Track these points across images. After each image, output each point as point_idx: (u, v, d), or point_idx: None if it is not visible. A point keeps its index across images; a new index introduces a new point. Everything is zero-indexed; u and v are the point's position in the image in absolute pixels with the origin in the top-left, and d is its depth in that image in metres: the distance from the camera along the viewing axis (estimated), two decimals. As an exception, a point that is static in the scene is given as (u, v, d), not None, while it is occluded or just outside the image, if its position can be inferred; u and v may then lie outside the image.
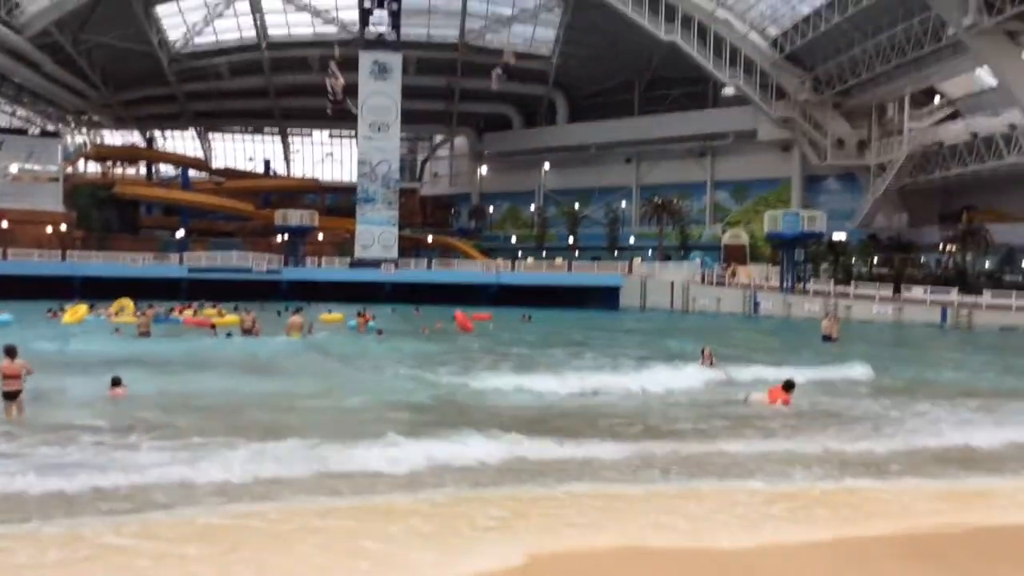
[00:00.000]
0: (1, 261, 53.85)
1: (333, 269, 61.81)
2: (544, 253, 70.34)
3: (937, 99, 57.84)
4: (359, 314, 33.89)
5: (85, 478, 8.15)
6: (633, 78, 71.88)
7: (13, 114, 69.10)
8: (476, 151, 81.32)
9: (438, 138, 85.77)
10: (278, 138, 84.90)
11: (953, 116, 56.40)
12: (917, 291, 45.86)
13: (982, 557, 6.91)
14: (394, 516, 7.34)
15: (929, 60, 48.80)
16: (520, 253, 71.31)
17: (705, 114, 67.74)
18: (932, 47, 47.19)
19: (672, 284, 54.88)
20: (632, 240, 69.94)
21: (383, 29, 65.23)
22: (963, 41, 43.96)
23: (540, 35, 70.34)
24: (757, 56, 58.84)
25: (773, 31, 58.74)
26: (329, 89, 64.61)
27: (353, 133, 70.30)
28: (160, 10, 64.62)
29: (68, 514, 7.32)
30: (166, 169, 79.21)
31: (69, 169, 69.69)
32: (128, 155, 77.36)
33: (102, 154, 76.01)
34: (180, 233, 69.02)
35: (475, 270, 62.85)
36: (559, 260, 65.23)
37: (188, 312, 36.57)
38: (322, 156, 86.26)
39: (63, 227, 61.42)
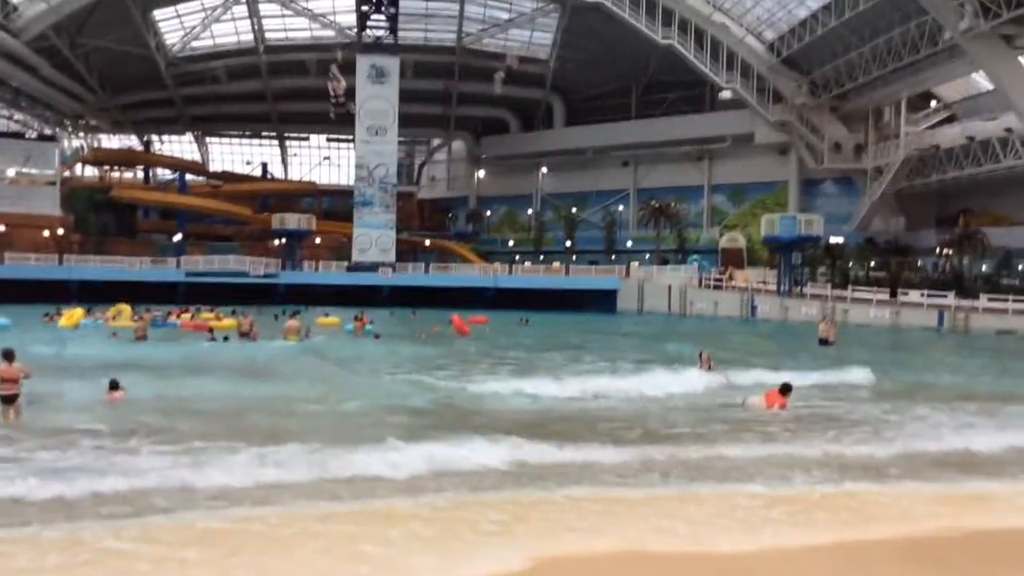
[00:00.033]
0: (-2, 265, 53.81)
1: (330, 273, 61.88)
2: (541, 257, 70.42)
3: (933, 103, 58.08)
4: (356, 318, 33.89)
5: (85, 482, 8.13)
6: (630, 82, 71.97)
7: (10, 118, 69.12)
8: (473, 155, 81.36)
9: (435, 142, 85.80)
10: (275, 142, 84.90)
11: (949, 120, 56.58)
12: (914, 295, 45.91)
13: (981, 560, 6.92)
14: (394, 520, 7.33)
15: (925, 64, 48.91)
16: (517, 257, 71.38)
17: (702, 118, 67.83)
18: (928, 51, 47.29)
19: (669, 288, 54.92)
20: (629, 244, 70.00)
21: (381, 33, 65.29)
22: (959, 45, 44.04)
23: (537, 39, 70.45)
24: (754, 60, 58.96)
25: (770, 35, 58.89)
26: (331, 92, 64.55)
27: (351, 137, 70.29)
28: (157, 14, 64.61)
29: (68, 518, 7.30)
30: (163, 173, 79.14)
31: (66, 173, 69.60)
32: (125, 159, 77.30)
33: (99, 158, 75.91)
34: (177, 237, 69.02)
35: (472, 274, 62.87)
36: (556, 264, 65.32)
37: (185, 316, 36.56)
38: (319, 160, 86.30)
39: (60, 231, 61.38)
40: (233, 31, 68.89)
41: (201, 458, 9.28)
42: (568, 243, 70.37)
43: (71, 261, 56.90)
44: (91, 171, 76.79)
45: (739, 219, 67.66)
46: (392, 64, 64.73)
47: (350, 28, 67.82)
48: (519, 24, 68.85)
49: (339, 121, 69.49)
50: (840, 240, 56.57)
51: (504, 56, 68.62)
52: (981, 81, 51.81)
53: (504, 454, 9.85)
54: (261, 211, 71.34)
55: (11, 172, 61.98)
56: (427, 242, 74.13)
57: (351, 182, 69.79)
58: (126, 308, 35.37)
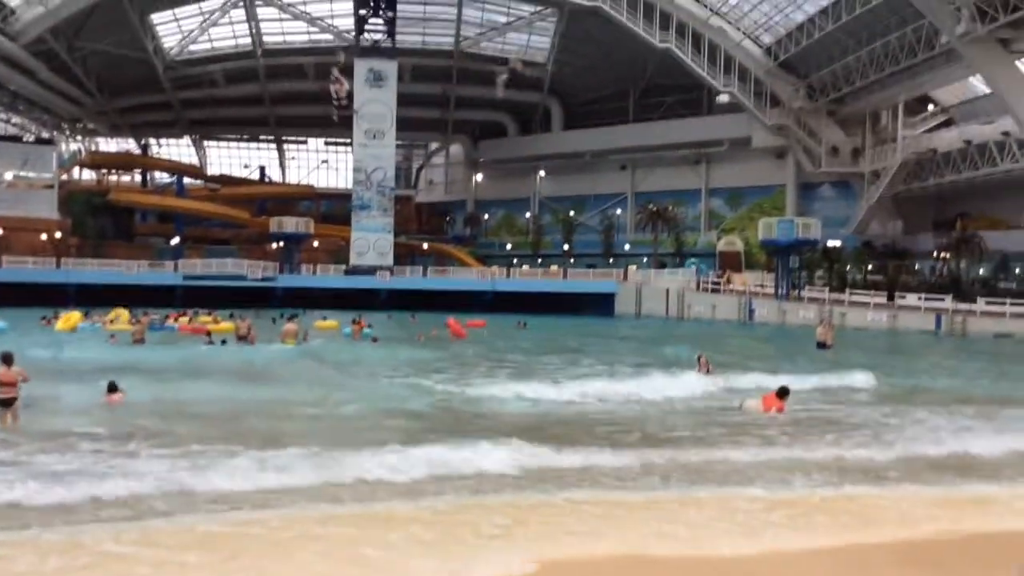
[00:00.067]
0: (-4, 268, 53.73)
1: (328, 276, 61.89)
2: (539, 260, 70.41)
3: (931, 107, 58.15)
4: (354, 321, 33.90)
5: (84, 485, 8.12)
6: (628, 86, 72.07)
7: (8, 121, 69.03)
8: (471, 158, 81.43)
9: (433, 145, 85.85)
10: (273, 145, 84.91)
11: (947, 123, 56.67)
12: (911, 298, 45.97)
13: (980, 563, 6.93)
14: (395, 524, 7.33)
15: (922, 68, 49.05)
16: (515, 260, 71.34)
17: (700, 121, 67.96)
18: (925, 55, 47.44)
19: (667, 291, 54.99)
20: (627, 247, 70.04)
21: (378, 37, 65.32)
22: (956, 49, 44.17)
23: (535, 43, 70.57)
24: (751, 64, 59.08)
25: (767, 39, 59.03)
26: (333, 95, 64.46)
27: (348, 140, 70.33)
28: (155, 17, 64.70)
29: (68, 522, 7.29)
30: (161, 177, 79.12)
31: (64, 176, 69.54)
32: (123, 162, 77.29)
33: (97, 161, 75.89)
34: (175, 240, 69.00)
35: (470, 277, 62.91)
36: (554, 267, 65.34)
37: (184, 319, 36.53)
38: (317, 163, 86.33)
39: (58, 234, 61.32)
40: (231, 35, 68.97)
41: (200, 462, 9.27)
42: (566, 247, 70.42)
43: (69, 264, 56.86)
44: (89, 174, 76.79)
45: (737, 223, 67.73)
46: (390, 68, 64.80)
47: (348, 32, 67.87)
48: (517, 28, 69.00)
49: (337, 124, 69.53)
50: (837, 244, 56.68)
51: (507, 60, 68.79)
52: (978, 85, 51.93)
53: (503, 457, 9.84)
54: (259, 214, 71.32)
55: (9, 175, 61.92)
56: (425, 246, 74.14)
57: (349, 186, 69.80)
58: (124, 314, 35.31)
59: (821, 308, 46.46)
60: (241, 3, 64.91)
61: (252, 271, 58.81)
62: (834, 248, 55.90)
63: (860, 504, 8.52)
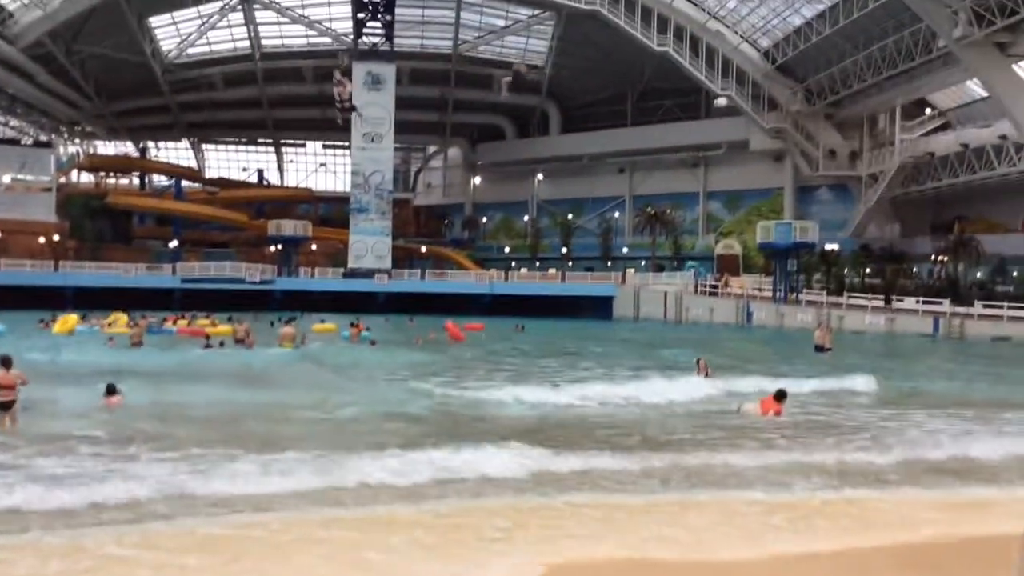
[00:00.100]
0: (-7, 271, 53.69)
1: (326, 279, 61.86)
2: (537, 263, 70.46)
3: (928, 110, 58.28)
4: (352, 324, 33.90)
5: (84, 489, 8.11)
6: (626, 89, 72.15)
7: (6, 124, 68.93)
8: (469, 161, 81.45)
9: (431, 149, 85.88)
10: (271, 148, 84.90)
11: (944, 127, 56.83)
12: (909, 301, 45.99)
13: (979, 567, 6.93)
14: (396, 527, 7.33)
15: (920, 72, 49.13)
16: (513, 263, 71.40)
17: (697, 125, 68.04)
18: (923, 59, 47.52)
19: (665, 294, 55.00)
20: (625, 250, 70.08)
21: (377, 40, 65.35)
22: (953, 53, 44.26)
23: (533, 46, 70.62)
24: (749, 67, 59.18)
25: (765, 42, 59.13)
26: (337, 97, 64.37)
27: (347, 143, 70.35)
28: (153, 21, 64.72)
29: (69, 525, 7.29)
30: (159, 179, 79.10)
31: (62, 179, 69.58)
32: (121, 165, 77.32)
33: (95, 164, 75.93)
34: (173, 243, 68.96)
35: (468, 280, 62.95)
36: (552, 270, 65.35)
37: (182, 322, 36.51)
38: (315, 166, 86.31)
39: (56, 237, 61.29)
40: (229, 38, 68.98)
41: (200, 465, 9.27)
42: (564, 250, 70.44)
43: (67, 267, 56.87)
44: (87, 177, 76.88)
45: (735, 226, 67.78)
46: (388, 71, 64.82)
47: (346, 35, 67.91)
48: (515, 31, 69.03)
49: (335, 128, 69.55)
50: (835, 247, 56.73)
51: (504, 63, 68.88)
52: (975, 89, 52.06)
53: (504, 461, 9.83)
54: (257, 217, 71.33)
55: (7, 178, 61.92)
56: (423, 249, 74.12)
57: (347, 189, 69.81)
58: (122, 318, 35.29)
59: (819, 311, 46.47)
60: (239, 6, 64.92)
61: (250, 274, 58.82)
62: (832, 251, 55.96)
63: (860, 507, 8.52)
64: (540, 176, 77.38)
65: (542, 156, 76.11)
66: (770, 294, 52.37)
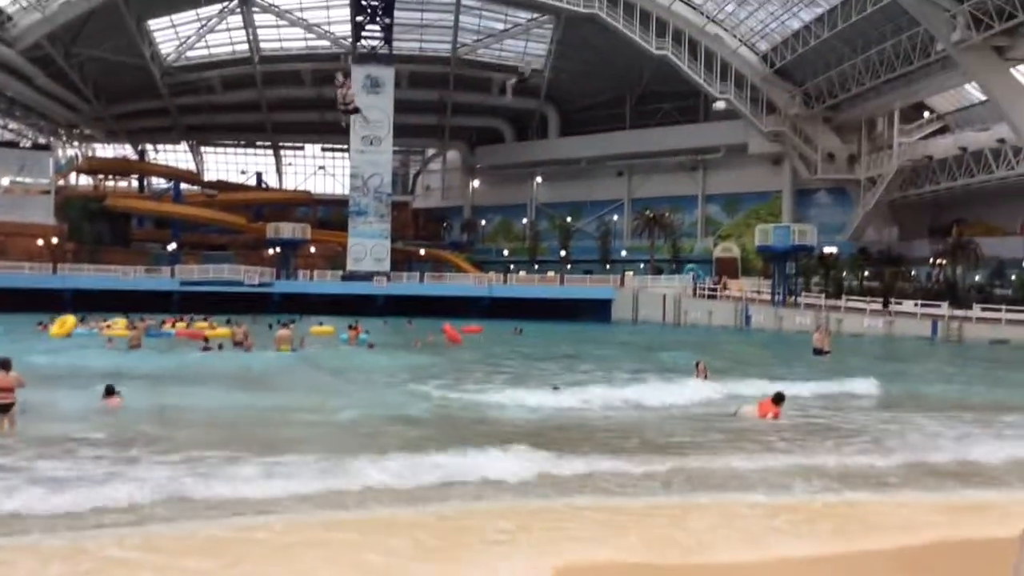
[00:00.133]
0: (-8, 274, 53.62)
1: (325, 282, 61.82)
2: (536, 266, 70.47)
3: (926, 114, 58.40)
4: (350, 327, 33.90)
5: (85, 491, 8.10)
6: (624, 92, 72.23)
7: (5, 127, 68.96)
8: (468, 164, 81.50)
9: (430, 151, 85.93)
10: (270, 151, 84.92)
11: (942, 130, 56.91)
12: (908, 304, 46.02)
13: (980, 570, 6.93)
14: (398, 529, 7.32)
15: (918, 75, 49.23)
16: (512, 266, 71.41)
17: (696, 128, 68.10)
18: (921, 62, 47.62)
19: (664, 297, 55.01)
20: (624, 253, 70.11)
21: (375, 43, 65.38)
22: (951, 56, 44.34)
23: (532, 50, 70.69)
24: (747, 71, 59.27)
25: (763, 46, 59.21)
26: (340, 99, 64.34)
27: (345, 146, 70.35)
28: (152, 24, 64.71)
29: (70, 527, 7.28)
30: (158, 182, 79.07)
31: (61, 182, 69.50)
32: (120, 168, 77.24)
33: (94, 167, 75.86)
34: (172, 246, 68.87)
35: (467, 283, 62.94)
36: (551, 273, 65.38)
37: (181, 325, 36.48)
38: (314, 169, 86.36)
39: (54, 240, 61.21)
40: (228, 41, 69.00)
41: (201, 467, 9.26)
42: (563, 253, 70.45)
43: (65, 270, 56.80)
44: (85, 180, 76.83)
45: (733, 229, 67.81)
46: (387, 74, 64.81)
47: (345, 38, 67.94)
48: (514, 35, 69.12)
49: (334, 130, 69.54)
50: (834, 250, 56.81)
51: (502, 67, 68.89)
52: (973, 92, 52.14)
53: (504, 463, 9.81)
54: (256, 220, 71.31)
55: (5, 181, 61.88)
56: (422, 251, 74.13)
57: (346, 191, 69.77)
58: (121, 321, 35.24)
59: (817, 314, 46.53)
60: (238, 9, 64.96)
61: (249, 277, 58.76)
62: (830, 254, 56.04)
63: (861, 510, 8.52)
64: (539, 179, 77.44)
65: (541, 159, 76.17)
66: (769, 297, 52.39)
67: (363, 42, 65.52)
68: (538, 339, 37.85)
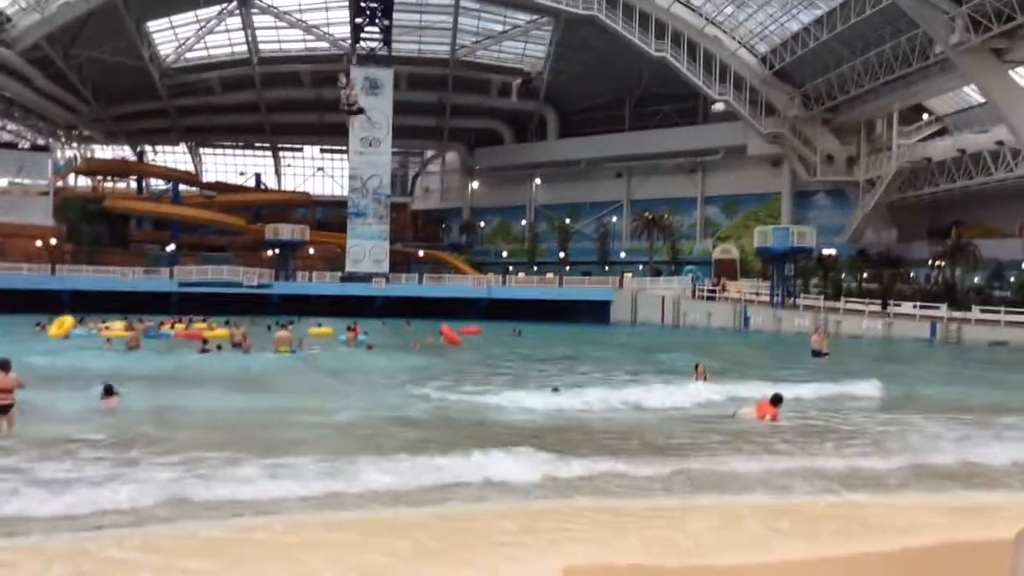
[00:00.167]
0: (-10, 275, 53.56)
1: (324, 283, 61.83)
2: (535, 268, 70.50)
3: (925, 116, 58.48)
4: (349, 328, 33.87)
5: (86, 492, 8.08)
6: (623, 94, 72.30)
7: (3, 128, 68.94)
8: (467, 166, 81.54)
9: (429, 153, 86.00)
10: (269, 153, 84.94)
11: (941, 132, 56.98)
12: (906, 306, 46.04)
13: (982, 571, 6.92)
14: (400, 530, 7.30)
15: (917, 77, 49.31)
16: (511, 268, 71.43)
17: (695, 130, 68.18)
18: (920, 65, 47.71)
19: (663, 299, 55.02)
20: (623, 255, 70.16)
21: (374, 45, 65.40)
22: (950, 59, 44.43)
23: (531, 51, 70.78)
24: (746, 73, 59.33)
25: (762, 48, 59.29)
26: (343, 100, 64.31)
27: (344, 148, 70.36)
28: (151, 25, 64.73)
29: (70, 528, 7.26)
30: (157, 183, 79.05)
31: (59, 183, 69.45)
32: (118, 169, 77.21)
33: (92, 168, 75.83)
34: (171, 247, 68.83)
35: (466, 285, 62.96)
36: (550, 275, 65.40)
37: (179, 326, 36.44)
38: (313, 171, 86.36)
39: (53, 241, 61.14)
40: (227, 42, 69.03)
41: (201, 468, 9.24)
42: (562, 254, 70.44)
43: (63, 271, 56.75)
44: (84, 181, 76.77)
45: (732, 230, 67.89)
46: (386, 76, 64.83)
47: (344, 40, 67.96)
48: (513, 36, 69.18)
49: (333, 132, 69.54)
50: (832, 252, 56.87)
51: (501, 68, 68.95)
52: (972, 94, 52.21)
53: (505, 465, 9.81)
54: (254, 222, 71.31)
55: (4, 182, 61.87)
56: (421, 253, 74.15)
57: (345, 193, 69.79)
58: (119, 322, 35.20)
59: (816, 316, 46.54)
60: (237, 11, 65.00)
61: (248, 278, 58.73)
62: (829, 256, 56.08)
63: (862, 512, 8.50)
64: (538, 181, 77.48)
65: (540, 161, 76.22)
66: (767, 299, 52.42)
67: (362, 44, 65.54)
68: (537, 340, 37.83)
